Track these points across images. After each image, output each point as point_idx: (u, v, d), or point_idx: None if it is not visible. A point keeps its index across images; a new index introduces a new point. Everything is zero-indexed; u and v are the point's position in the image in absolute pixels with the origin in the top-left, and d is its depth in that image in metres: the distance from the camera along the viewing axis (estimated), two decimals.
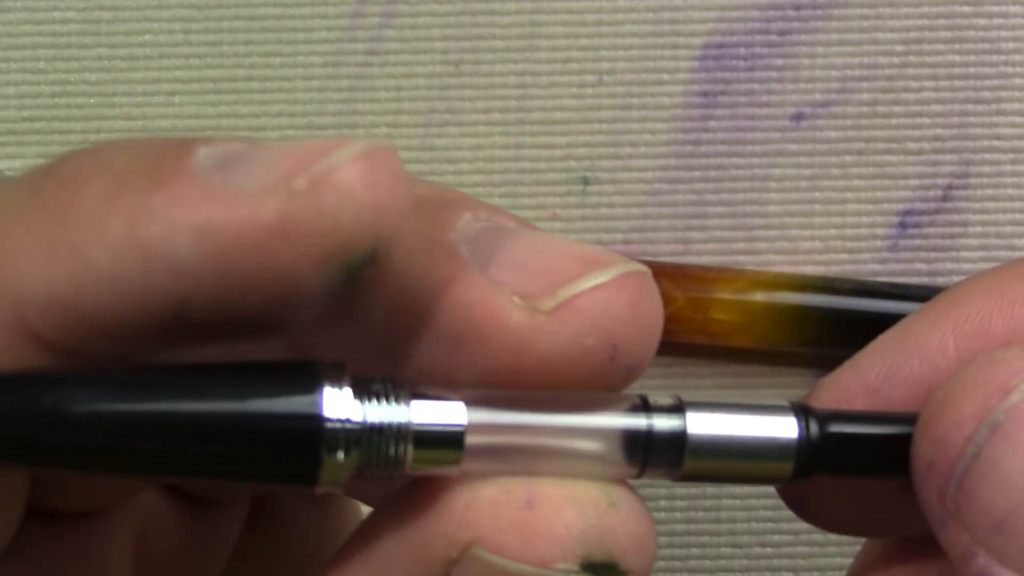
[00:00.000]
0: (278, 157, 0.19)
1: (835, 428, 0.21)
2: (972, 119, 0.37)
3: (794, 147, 0.37)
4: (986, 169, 0.37)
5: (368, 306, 0.20)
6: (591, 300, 0.20)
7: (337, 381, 0.19)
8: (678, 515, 0.37)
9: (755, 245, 0.37)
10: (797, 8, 0.37)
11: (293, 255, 0.18)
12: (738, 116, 0.37)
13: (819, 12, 0.37)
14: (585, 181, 0.37)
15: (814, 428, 0.21)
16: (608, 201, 0.37)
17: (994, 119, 0.37)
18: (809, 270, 0.37)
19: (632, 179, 0.37)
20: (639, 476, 0.20)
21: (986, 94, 0.37)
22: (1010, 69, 0.37)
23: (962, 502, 0.20)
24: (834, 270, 0.37)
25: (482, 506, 0.19)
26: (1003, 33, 0.37)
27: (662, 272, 0.36)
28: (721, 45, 0.37)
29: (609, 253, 0.21)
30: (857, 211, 0.37)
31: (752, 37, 0.37)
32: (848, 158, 0.37)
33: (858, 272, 0.37)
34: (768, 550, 0.37)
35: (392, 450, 0.19)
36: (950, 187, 0.37)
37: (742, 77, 0.37)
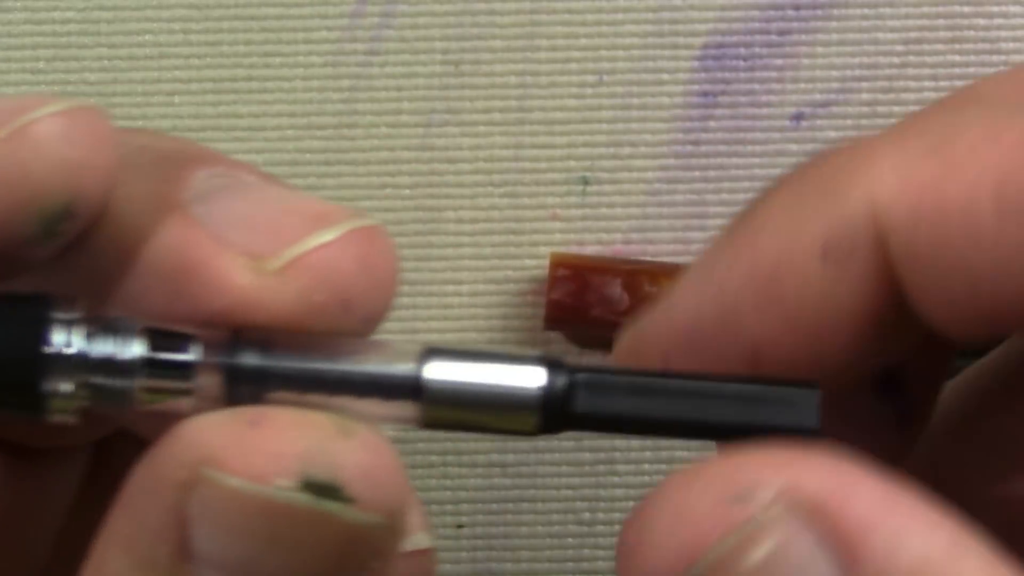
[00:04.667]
0: None
1: (584, 380, 0.20)
2: None
3: (794, 147, 0.37)
4: None
5: (102, 265, 0.20)
6: (317, 258, 0.20)
7: (66, 314, 0.20)
8: None
9: None
10: (797, 8, 0.37)
11: None
12: (738, 116, 0.37)
13: (819, 12, 0.37)
14: (585, 181, 0.37)
15: (562, 381, 0.20)
16: (608, 201, 0.37)
17: None
18: None
19: (632, 179, 0.37)
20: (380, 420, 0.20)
21: None
22: None
23: None
24: None
25: (211, 427, 0.19)
26: (1003, 33, 0.37)
27: (662, 272, 0.35)
28: (721, 45, 0.37)
29: (339, 209, 0.21)
30: None
31: (752, 37, 0.37)
32: None
33: None
34: None
35: (120, 383, 0.20)
36: None
37: (742, 77, 0.37)
